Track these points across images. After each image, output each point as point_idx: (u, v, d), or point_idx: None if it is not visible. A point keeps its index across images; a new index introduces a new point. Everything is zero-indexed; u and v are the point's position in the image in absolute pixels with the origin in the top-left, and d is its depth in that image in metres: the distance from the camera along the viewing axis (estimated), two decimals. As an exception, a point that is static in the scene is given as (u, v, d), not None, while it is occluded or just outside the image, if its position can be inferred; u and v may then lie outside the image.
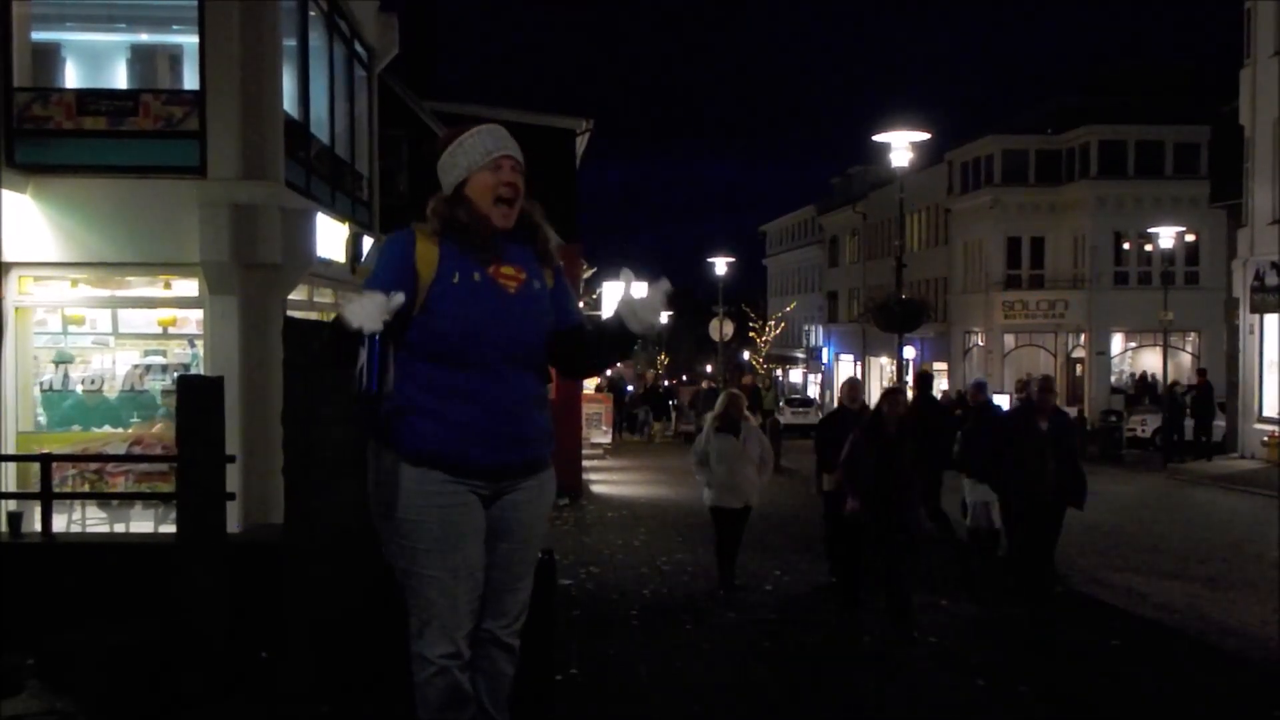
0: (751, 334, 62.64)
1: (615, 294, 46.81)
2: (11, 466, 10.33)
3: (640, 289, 3.67)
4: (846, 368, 60.15)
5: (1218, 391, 29.60)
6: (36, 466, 8.68)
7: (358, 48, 15.23)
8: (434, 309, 3.60)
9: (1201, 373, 29.68)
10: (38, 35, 11.14)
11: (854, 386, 11.07)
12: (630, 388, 42.09)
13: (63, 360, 10.87)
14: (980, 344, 46.95)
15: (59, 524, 9.24)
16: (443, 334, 3.59)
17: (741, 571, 11.35)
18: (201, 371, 10.30)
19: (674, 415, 37.16)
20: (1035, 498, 9.14)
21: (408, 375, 3.59)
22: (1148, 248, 41.20)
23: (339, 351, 3.42)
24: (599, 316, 3.56)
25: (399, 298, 3.40)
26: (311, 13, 12.84)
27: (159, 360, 11.04)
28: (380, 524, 3.73)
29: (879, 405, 8.93)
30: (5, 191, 10.08)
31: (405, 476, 3.62)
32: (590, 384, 30.80)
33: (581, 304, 26.55)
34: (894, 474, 8.53)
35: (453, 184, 3.75)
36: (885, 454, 8.55)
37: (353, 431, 4.52)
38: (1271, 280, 26.56)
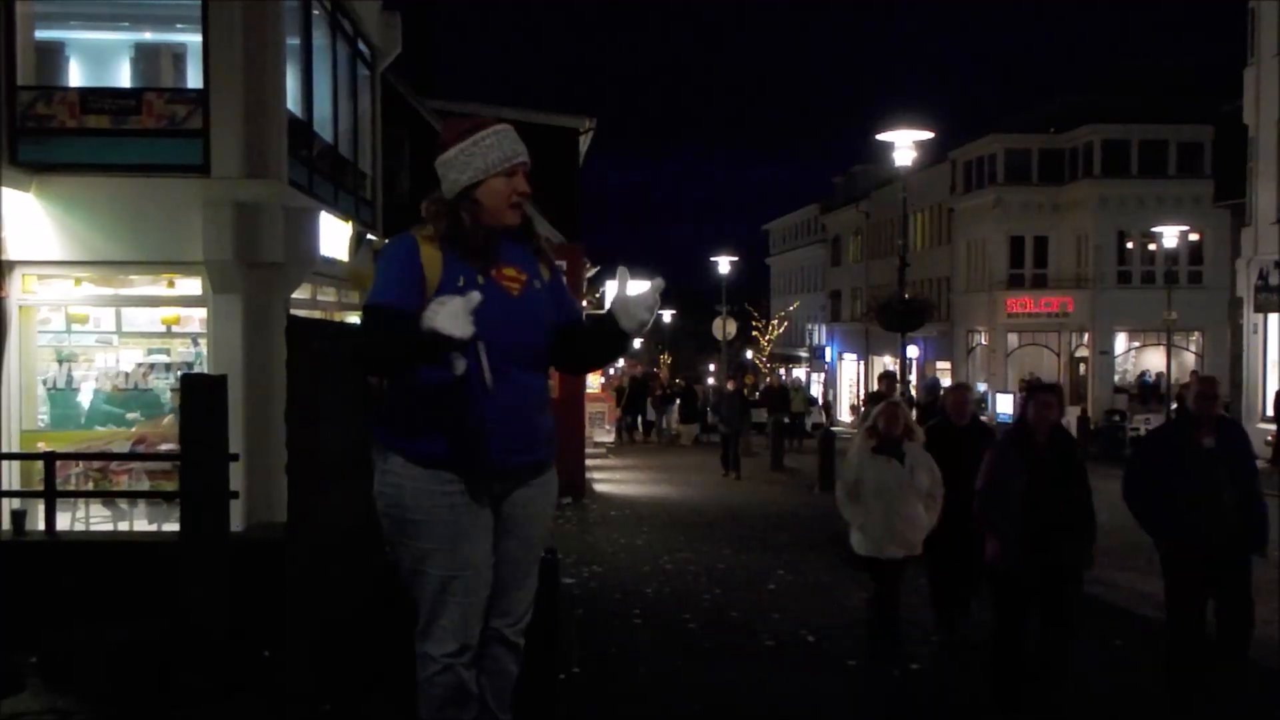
0: (754, 333, 62.63)
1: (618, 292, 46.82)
2: (15, 465, 10.35)
3: (635, 286, 3.66)
4: (850, 367, 60.15)
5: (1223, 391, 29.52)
6: (40, 465, 8.70)
7: (361, 46, 15.24)
8: None
9: (1194, 374, 29.61)
10: (41, 34, 11.16)
11: (962, 395, 8.62)
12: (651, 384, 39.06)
13: (65, 359, 10.89)
14: (983, 343, 46.94)
15: (62, 522, 9.25)
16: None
17: (744, 571, 11.36)
18: (205, 370, 10.31)
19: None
20: (1210, 545, 6.41)
21: (415, 376, 3.58)
22: (1151, 247, 41.15)
23: (421, 360, 3.38)
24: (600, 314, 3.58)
25: (476, 296, 3.30)
26: (315, 11, 12.85)
27: (162, 359, 11.05)
28: (388, 524, 3.73)
29: (1025, 412, 6.75)
30: (9, 190, 10.08)
31: (414, 477, 3.63)
32: (594, 381, 30.58)
33: (584, 303, 26.41)
34: (1049, 504, 6.38)
35: (463, 184, 3.67)
36: (1037, 477, 6.42)
37: (355, 431, 4.52)
38: (1275, 280, 26.55)
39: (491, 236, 3.67)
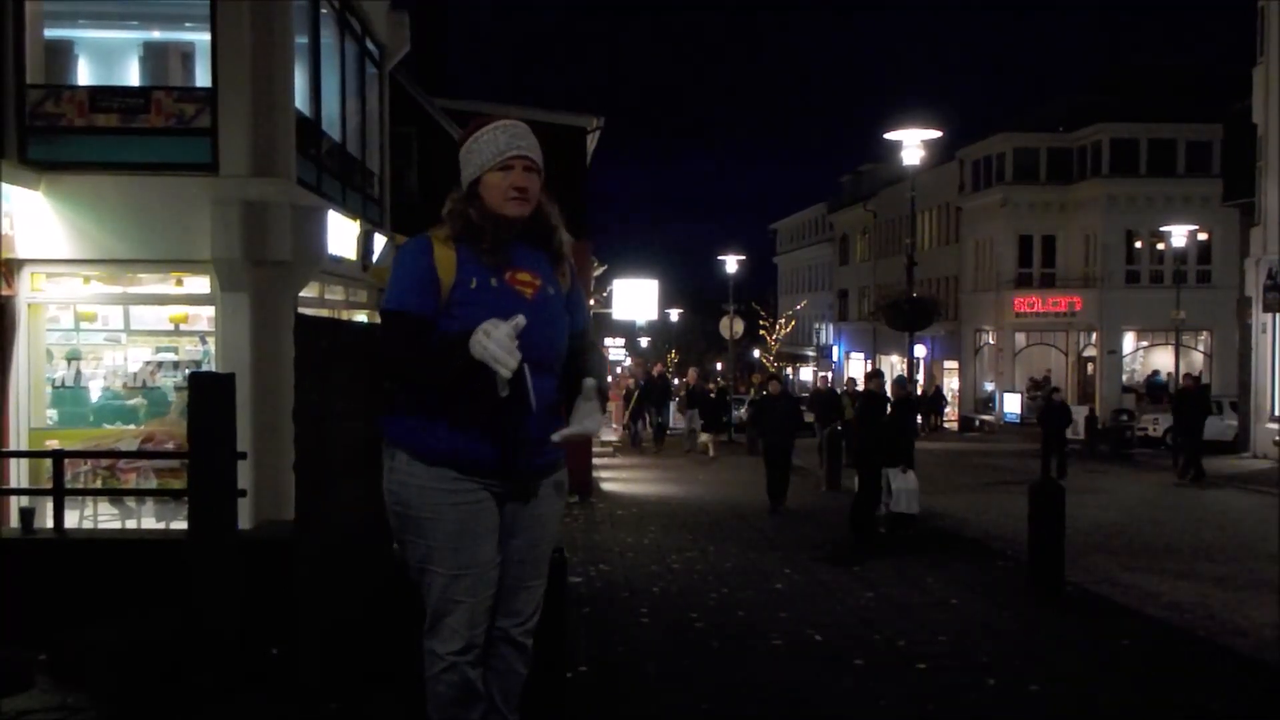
0: (761, 332, 62.62)
1: (625, 291, 46.14)
2: (24, 463, 10.38)
3: (591, 412, 3.68)
4: (857, 366, 60.13)
5: (1228, 390, 29.47)
6: (48, 462, 8.71)
7: (369, 45, 15.25)
8: (455, 314, 3.57)
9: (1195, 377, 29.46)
10: (50, 33, 11.19)
11: None
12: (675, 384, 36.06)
13: (74, 357, 10.91)
14: (991, 342, 46.89)
15: (70, 520, 9.27)
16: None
17: (752, 570, 11.36)
18: (213, 368, 10.32)
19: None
20: None
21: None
22: (1160, 246, 41.13)
23: (462, 379, 3.40)
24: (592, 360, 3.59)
25: (520, 319, 3.32)
26: (323, 10, 12.86)
27: (170, 357, 11.08)
28: (396, 522, 3.73)
29: None
30: (18, 188, 10.11)
31: (421, 475, 3.63)
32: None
33: (592, 301, 26.26)
34: None
35: (467, 180, 3.71)
36: None
37: (363, 429, 4.53)
38: (1284, 279, 26.46)
39: (500, 233, 3.65)
